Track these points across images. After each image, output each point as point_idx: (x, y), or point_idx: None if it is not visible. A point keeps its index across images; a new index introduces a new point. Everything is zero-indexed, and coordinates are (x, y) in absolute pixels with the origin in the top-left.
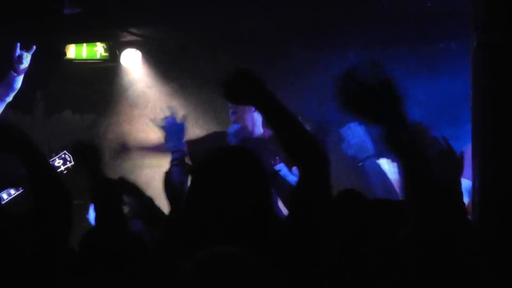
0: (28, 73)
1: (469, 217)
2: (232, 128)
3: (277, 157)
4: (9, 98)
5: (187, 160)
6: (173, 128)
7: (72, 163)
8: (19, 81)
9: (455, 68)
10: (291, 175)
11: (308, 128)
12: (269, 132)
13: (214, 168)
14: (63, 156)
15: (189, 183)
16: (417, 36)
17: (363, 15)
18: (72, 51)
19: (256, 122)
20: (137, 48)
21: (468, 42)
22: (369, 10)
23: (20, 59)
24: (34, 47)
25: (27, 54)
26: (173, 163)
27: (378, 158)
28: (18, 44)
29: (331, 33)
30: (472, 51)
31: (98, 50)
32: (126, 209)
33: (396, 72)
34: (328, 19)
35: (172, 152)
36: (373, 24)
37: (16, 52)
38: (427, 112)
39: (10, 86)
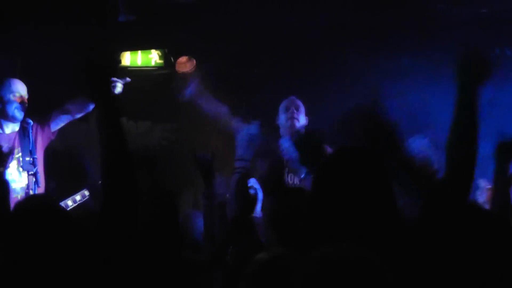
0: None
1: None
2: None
3: None
4: (79, 116)
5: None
6: (246, 137)
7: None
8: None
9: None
10: None
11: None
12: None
13: (341, 167)
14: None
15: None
16: (472, 41)
17: (418, 20)
18: (127, 59)
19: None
20: (192, 55)
21: None
22: (423, 15)
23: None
24: (128, 79)
25: (120, 84)
26: (236, 171)
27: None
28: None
29: (385, 38)
30: None
31: (153, 57)
32: None
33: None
34: (383, 23)
35: (237, 160)
36: (426, 29)
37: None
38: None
39: (86, 107)
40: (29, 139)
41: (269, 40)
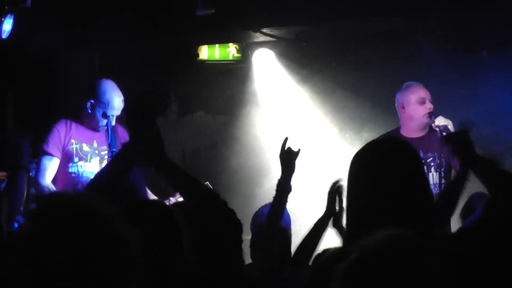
0: (161, 74)
1: None
2: None
3: None
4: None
5: None
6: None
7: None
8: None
9: None
10: None
11: None
12: None
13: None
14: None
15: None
16: None
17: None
18: (205, 52)
19: None
20: (270, 49)
21: None
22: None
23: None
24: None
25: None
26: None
27: None
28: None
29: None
30: None
31: (231, 51)
32: None
33: None
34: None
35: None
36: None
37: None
38: None
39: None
40: (108, 133)
41: (347, 34)
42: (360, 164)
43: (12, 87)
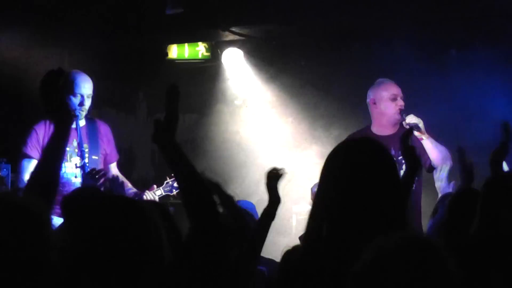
0: (131, 74)
1: None
2: None
3: None
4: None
5: None
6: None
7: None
8: None
9: None
10: None
11: None
12: None
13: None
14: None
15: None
16: None
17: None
18: (174, 51)
19: None
20: (239, 47)
21: None
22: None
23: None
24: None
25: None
26: None
27: None
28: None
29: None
30: None
31: (200, 50)
32: None
33: None
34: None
35: None
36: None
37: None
38: None
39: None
40: (77, 131)
41: (316, 32)
42: (333, 165)
43: None
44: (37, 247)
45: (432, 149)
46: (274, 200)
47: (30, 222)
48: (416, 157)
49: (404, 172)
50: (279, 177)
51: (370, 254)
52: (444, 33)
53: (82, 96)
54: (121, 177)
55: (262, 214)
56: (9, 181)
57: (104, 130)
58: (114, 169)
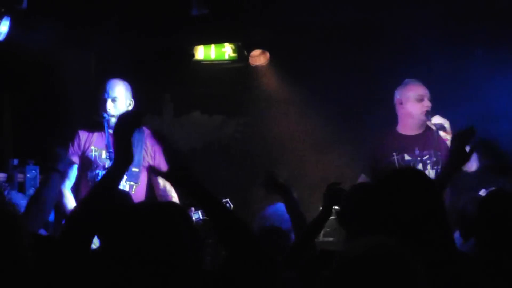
0: (157, 75)
1: None
2: None
3: None
4: None
5: None
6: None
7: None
8: None
9: None
10: None
11: None
12: None
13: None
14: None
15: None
16: None
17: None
18: (201, 53)
19: None
20: (266, 48)
21: None
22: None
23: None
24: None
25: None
26: None
27: None
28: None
29: None
30: None
31: (227, 51)
32: None
33: None
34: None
35: None
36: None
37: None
38: None
39: None
40: (106, 133)
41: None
42: (381, 195)
43: (8, 90)
44: (11, 250)
45: None
46: (324, 217)
47: (4, 225)
48: (464, 161)
49: (444, 170)
50: (338, 195)
51: (336, 261)
52: (470, 30)
53: (109, 99)
54: (169, 189)
55: (312, 223)
56: (38, 183)
57: (151, 142)
58: (162, 181)
